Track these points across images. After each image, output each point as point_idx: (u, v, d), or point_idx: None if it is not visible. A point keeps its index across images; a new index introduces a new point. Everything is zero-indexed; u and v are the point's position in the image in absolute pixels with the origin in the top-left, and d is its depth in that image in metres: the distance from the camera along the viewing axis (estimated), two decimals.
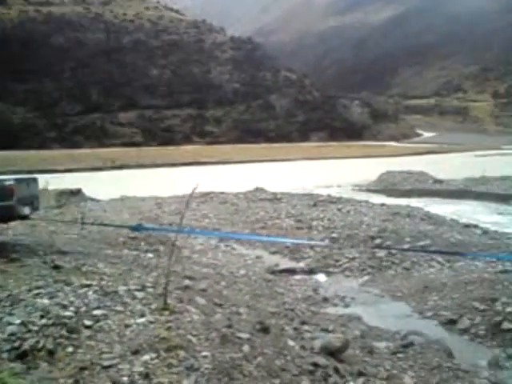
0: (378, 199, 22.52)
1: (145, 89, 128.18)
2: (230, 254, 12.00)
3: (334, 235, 13.21)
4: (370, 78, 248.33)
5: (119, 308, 5.00)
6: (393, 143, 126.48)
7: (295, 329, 6.40)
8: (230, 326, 5.26)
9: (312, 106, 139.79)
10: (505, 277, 9.11)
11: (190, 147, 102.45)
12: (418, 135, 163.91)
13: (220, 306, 6.23)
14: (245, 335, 5.13)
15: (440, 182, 30.50)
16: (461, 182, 30.03)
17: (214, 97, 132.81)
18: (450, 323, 7.83)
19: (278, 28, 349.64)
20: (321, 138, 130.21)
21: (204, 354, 4.29)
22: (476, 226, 15.21)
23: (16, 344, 4.04)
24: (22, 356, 3.91)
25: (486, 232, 14.35)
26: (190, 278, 7.38)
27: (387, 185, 30.38)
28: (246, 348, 4.80)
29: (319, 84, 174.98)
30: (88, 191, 22.70)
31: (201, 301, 6.05)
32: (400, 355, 6.22)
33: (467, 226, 15.47)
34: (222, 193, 23.75)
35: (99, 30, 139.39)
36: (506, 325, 7.28)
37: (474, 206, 22.16)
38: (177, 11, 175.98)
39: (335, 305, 8.72)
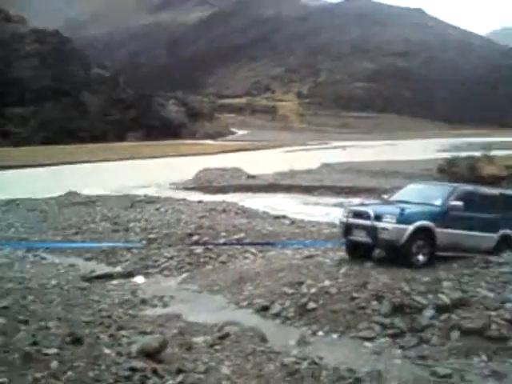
0: (195, 197, 22.97)
1: None
2: (39, 264, 11.11)
3: (151, 236, 13.08)
4: (184, 78, 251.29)
5: None
6: (209, 141, 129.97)
7: (111, 335, 6.19)
8: (35, 344, 4.86)
9: (127, 105, 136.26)
10: (310, 261, 9.96)
11: None
12: (233, 133, 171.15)
13: (25, 322, 5.72)
14: (52, 350, 4.80)
15: (253, 177, 32.28)
16: (272, 176, 32.15)
17: (17, 94, 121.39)
18: (263, 310, 8.27)
19: (88, 22, 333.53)
20: (138, 138, 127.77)
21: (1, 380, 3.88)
22: (285, 217, 16.44)
23: None
24: None
25: (293, 222, 15.58)
26: None
27: (204, 182, 31.13)
28: (53, 364, 4.49)
29: (134, 82, 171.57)
30: None
31: (0, 321, 5.48)
32: (217, 347, 6.40)
33: (277, 217, 16.64)
34: (30, 199, 21.91)
35: None
36: (310, 305, 7.97)
37: (283, 198, 23.92)
38: None
39: (154, 306, 8.65)
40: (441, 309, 7.36)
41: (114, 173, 45.07)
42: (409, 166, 28.88)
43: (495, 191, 11.31)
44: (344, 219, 10.09)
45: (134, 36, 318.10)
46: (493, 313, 7.10)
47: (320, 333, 7.38)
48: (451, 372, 5.95)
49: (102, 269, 10.95)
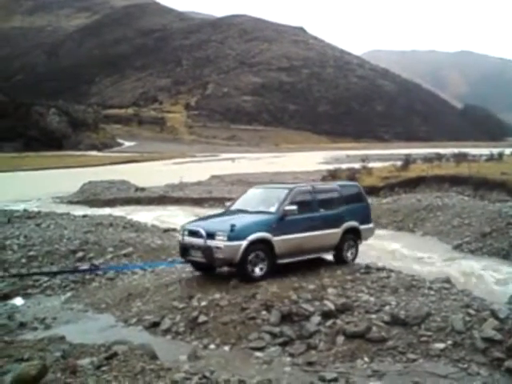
0: (80, 211, 21.98)
1: None
2: None
3: (31, 253, 12.22)
4: (65, 86, 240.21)
5: None
6: (94, 152, 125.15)
7: None
8: None
9: (1, 113, 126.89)
10: (200, 275, 9.86)
11: None
12: (119, 144, 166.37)
13: None
14: None
15: (142, 189, 31.57)
16: (161, 188, 31.67)
17: None
18: (153, 326, 8.08)
19: None
20: (15, 149, 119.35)
21: None
22: (174, 230, 16.21)
23: None
24: None
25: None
26: None
27: (89, 195, 29.87)
28: None
29: (8, 89, 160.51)
30: None
31: None
32: (104, 368, 6.09)
33: (167, 230, 16.38)
34: None
35: None
36: (201, 318, 7.91)
37: (173, 210, 23.61)
38: None
39: (34, 329, 8.08)
40: (327, 315, 7.70)
41: None
42: (294, 177, 29.98)
43: (334, 185, 11.37)
44: (180, 238, 9.66)
45: (6, 39, 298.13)
46: (373, 316, 7.56)
47: (211, 346, 7.36)
48: (337, 376, 6.22)
49: None
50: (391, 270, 9.98)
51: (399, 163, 32.93)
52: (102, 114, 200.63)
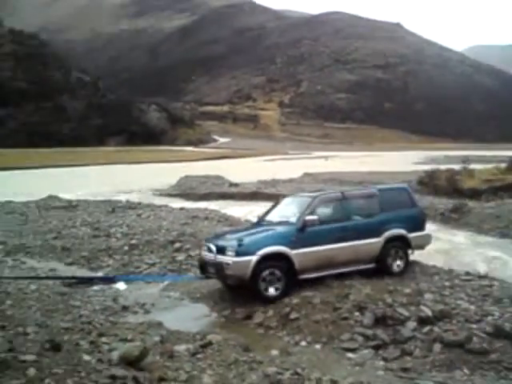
0: (177, 203, 22.84)
1: None
2: (18, 268, 10.87)
3: (133, 242, 12.93)
4: (164, 84, 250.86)
5: None
6: (190, 148, 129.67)
7: (92, 342, 6.06)
8: (11, 350, 4.73)
9: (107, 109, 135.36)
10: None
11: None
12: (214, 140, 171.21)
13: (2, 328, 5.58)
14: (30, 357, 4.68)
15: (236, 185, 32.20)
16: (254, 184, 32.07)
17: None
18: (246, 319, 8.24)
19: (67, 26, 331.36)
20: (119, 143, 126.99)
21: None
22: None
23: None
24: None
25: None
26: None
27: (186, 189, 30.97)
28: (31, 371, 4.37)
29: (114, 87, 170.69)
30: None
31: None
32: (199, 356, 6.32)
33: None
34: (9, 202, 21.54)
35: None
36: (293, 314, 7.96)
37: (265, 206, 23.84)
38: None
39: (135, 313, 8.52)
40: (423, 321, 7.40)
41: (95, 177, 44.65)
42: (389, 177, 29.12)
43: (372, 189, 10.31)
44: (203, 253, 9.13)
45: (113, 41, 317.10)
46: (474, 326, 7.16)
47: (303, 343, 7.36)
48: None
49: (83, 274, 10.77)
50: (494, 279, 9.42)
51: (503, 165, 30.86)
52: (198, 110, 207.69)
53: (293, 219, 8.92)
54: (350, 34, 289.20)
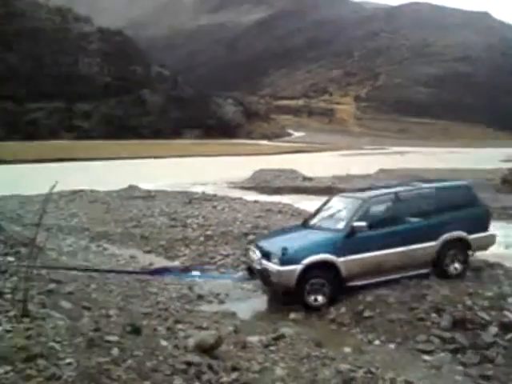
0: (251, 196, 23.08)
1: (2, 78, 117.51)
2: (101, 254, 11.48)
3: (208, 232, 13.23)
4: (241, 78, 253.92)
5: None
6: (265, 142, 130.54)
7: (168, 328, 6.28)
8: (97, 330, 5.00)
9: (185, 103, 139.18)
10: None
11: (57, 142, 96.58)
12: (289, 134, 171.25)
13: (88, 309, 5.91)
14: (114, 338, 4.91)
15: (309, 179, 32.06)
16: (329, 179, 31.79)
17: (83, 90, 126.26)
18: (319, 314, 8.19)
19: (149, 23, 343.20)
20: (195, 136, 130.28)
21: (68, 360, 4.01)
22: None
23: None
24: None
25: None
26: (56, 281, 6.89)
27: (260, 182, 31.23)
28: (114, 351, 4.59)
29: (192, 81, 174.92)
30: None
31: (66, 305, 5.68)
32: (272, 348, 6.37)
33: None
34: (93, 191, 22.73)
35: None
36: (367, 312, 7.82)
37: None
38: None
39: (210, 302, 8.72)
40: (506, 327, 7.02)
41: (172, 169, 46.10)
42: (471, 175, 27.79)
43: (429, 188, 9.40)
44: (251, 255, 8.84)
45: (192, 36, 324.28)
46: None
47: (376, 342, 7.22)
48: None
49: (161, 262, 11.16)
50: None
51: None
52: (273, 104, 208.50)
53: (340, 225, 8.46)
54: (431, 25, 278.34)
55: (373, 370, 5.89)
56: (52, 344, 4.22)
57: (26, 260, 6.03)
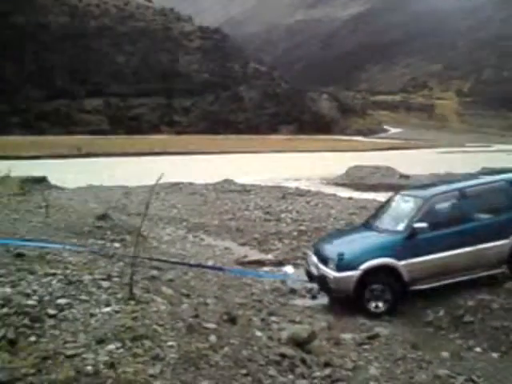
0: (345, 193, 22.81)
1: (111, 76, 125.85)
2: (198, 245, 11.91)
3: (302, 228, 13.26)
4: (337, 73, 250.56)
5: (84, 297, 4.86)
6: (360, 138, 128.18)
7: (263, 320, 6.39)
8: (196, 316, 5.20)
9: (281, 99, 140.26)
10: None
11: (158, 136, 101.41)
12: (385, 131, 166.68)
13: (187, 296, 6.15)
14: (212, 325, 5.08)
15: (406, 177, 31.04)
16: (426, 177, 30.57)
17: (183, 86, 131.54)
18: (414, 316, 7.92)
19: (247, 20, 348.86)
20: (290, 131, 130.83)
21: (170, 343, 4.22)
22: None
23: None
24: None
25: None
26: (157, 268, 7.26)
27: (354, 179, 30.75)
28: (212, 338, 4.75)
29: (288, 77, 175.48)
30: (53, 179, 22.13)
31: (167, 291, 5.96)
32: (366, 346, 6.28)
33: None
34: (191, 183, 23.63)
35: (63, 12, 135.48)
36: (467, 317, 7.44)
37: None
38: None
39: (302, 296, 8.74)
40: None
41: (266, 164, 46.69)
42: None
43: (500, 181, 8.53)
44: (308, 258, 8.59)
45: (289, 32, 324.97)
46: None
47: (477, 349, 6.83)
48: None
49: (255, 255, 11.35)
50: None
51: None
52: (369, 100, 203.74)
53: (400, 226, 7.96)
54: None
55: (474, 378, 5.63)
56: (155, 327, 4.45)
57: (133, 248, 6.39)
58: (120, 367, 3.60)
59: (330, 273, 7.65)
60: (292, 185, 24.71)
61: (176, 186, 22.15)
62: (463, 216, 8.02)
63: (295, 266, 10.86)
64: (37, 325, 4.18)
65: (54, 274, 5.37)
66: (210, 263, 9.73)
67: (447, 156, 66.74)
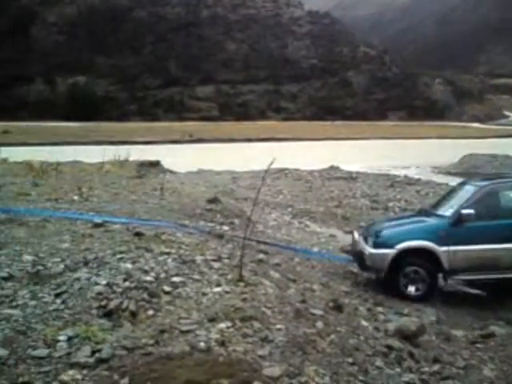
0: None
1: (222, 63, 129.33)
2: (303, 230, 11.98)
3: None
4: (454, 55, 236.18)
5: (196, 276, 5.11)
6: (476, 124, 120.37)
7: (369, 309, 6.32)
8: (303, 302, 5.26)
9: (391, 84, 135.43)
10: None
11: (265, 122, 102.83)
12: (506, 117, 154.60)
13: (293, 281, 6.24)
14: (318, 312, 5.11)
15: None
16: None
17: (290, 72, 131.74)
18: None
19: (358, 2, 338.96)
20: (399, 117, 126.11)
21: (278, 326, 4.32)
22: None
23: (103, 303, 4.28)
24: (108, 314, 4.15)
25: None
26: (264, 252, 7.44)
27: (469, 168, 29.12)
28: (319, 324, 4.78)
29: (399, 60, 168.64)
30: (166, 163, 23.34)
31: (275, 275, 6.08)
32: (479, 345, 5.96)
33: None
34: (297, 170, 23.75)
35: (179, 3, 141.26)
36: None
37: None
38: None
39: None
40: None
41: (374, 151, 45.57)
42: None
43: None
44: (355, 237, 8.55)
45: (402, 13, 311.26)
46: None
47: None
48: None
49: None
50: None
51: None
52: (489, 83, 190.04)
53: (448, 212, 7.78)
54: None
55: None
56: (264, 309, 4.57)
57: (243, 231, 6.59)
58: (230, 346, 3.75)
59: (367, 249, 7.73)
60: (401, 173, 23.93)
61: (282, 172, 22.38)
62: None
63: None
64: (154, 300, 4.48)
65: (168, 253, 5.71)
66: (315, 249, 9.76)
67: None
